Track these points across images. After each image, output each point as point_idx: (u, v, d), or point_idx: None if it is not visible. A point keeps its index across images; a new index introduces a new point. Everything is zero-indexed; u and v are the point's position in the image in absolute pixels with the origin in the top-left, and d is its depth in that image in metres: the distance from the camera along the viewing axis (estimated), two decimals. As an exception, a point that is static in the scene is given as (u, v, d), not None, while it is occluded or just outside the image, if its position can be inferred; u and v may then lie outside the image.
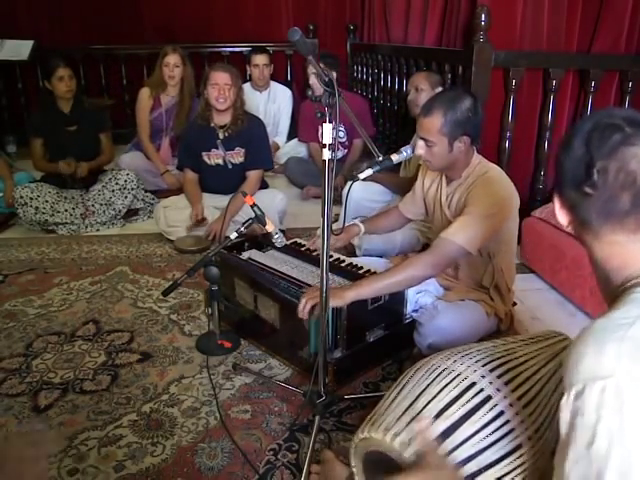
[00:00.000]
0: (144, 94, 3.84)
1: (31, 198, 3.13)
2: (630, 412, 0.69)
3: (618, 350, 0.71)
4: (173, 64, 3.71)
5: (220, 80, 2.82)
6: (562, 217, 0.90)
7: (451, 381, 1.13)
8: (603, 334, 0.75)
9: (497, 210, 1.74)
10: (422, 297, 1.99)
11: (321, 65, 3.84)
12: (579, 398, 0.72)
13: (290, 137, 4.57)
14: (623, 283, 0.85)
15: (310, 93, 3.57)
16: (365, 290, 1.68)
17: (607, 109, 0.89)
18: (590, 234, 0.87)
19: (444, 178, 1.94)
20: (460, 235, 1.71)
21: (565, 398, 0.75)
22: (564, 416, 0.75)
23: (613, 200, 0.81)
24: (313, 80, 3.40)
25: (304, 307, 1.64)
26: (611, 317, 0.78)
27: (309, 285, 1.86)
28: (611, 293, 0.87)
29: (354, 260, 2.11)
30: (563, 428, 0.75)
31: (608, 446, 0.70)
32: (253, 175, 3.03)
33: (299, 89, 5.25)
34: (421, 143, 1.79)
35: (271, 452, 1.53)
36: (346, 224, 2.04)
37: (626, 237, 0.83)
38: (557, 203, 0.90)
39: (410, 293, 1.96)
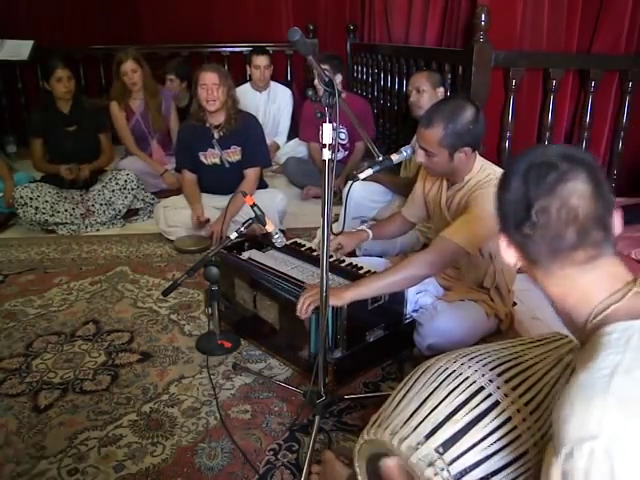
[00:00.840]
0: (114, 108, 3.78)
1: (31, 198, 3.13)
2: (620, 474, 0.67)
3: (603, 407, 0.70)
4: (131, 70, 3.65)
5: (208, 80, 2.81)
6: (509, 256, 0.90)
7: (459, 385, 1.12)
8: (587, 391, 0.73)
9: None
10: (422, 297, 1.99)
11: (323, 66, 3.85)
12: (568, 461, 0.71)
13: (290, 137, 4.57)
14: (587, 320, 0.83)
15: (310, 93, 3.57)
16: (364, 290, 1.68)
17: (540, 148, 0.89)
18: (540, 271, 0.87)
19: (445, 182, 1.94)
20: (459, 235, 1.71)
21: (555, 458, 0.73)
22: (555, 474, 0.73)
23: (558, 237, 0.82)
24: (318, 81, 3.40)
25: (302, 306, 1.64)
26: (591, 369, 0.76)
27: (309, 285, 1.86)
28: (577, 331, 0.86)
29: (354, 260, 2.11)
30: None
31: None
32: (251, 173, 3.02)
33: (299, 89, 5.25)
34: (421, 152, 1.78)
35: (271, 452, 1.53)
36: (351, 227, 2.04)
37: (576, 270, 0.83)
38: (503, 242, 0.90)
39: (410, 293, 1.96)
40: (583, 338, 0.85)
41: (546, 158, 0.84)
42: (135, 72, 3.67)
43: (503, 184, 0.88)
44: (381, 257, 2.33)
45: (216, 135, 2.97)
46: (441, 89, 2.67)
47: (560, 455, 0.72)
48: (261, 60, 4.29)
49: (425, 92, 2.66)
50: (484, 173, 1.82)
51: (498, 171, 1.86)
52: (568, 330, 0.92)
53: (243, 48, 5.20)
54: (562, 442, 0.72)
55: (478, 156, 1.86)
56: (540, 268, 0.87)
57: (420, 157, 1.79)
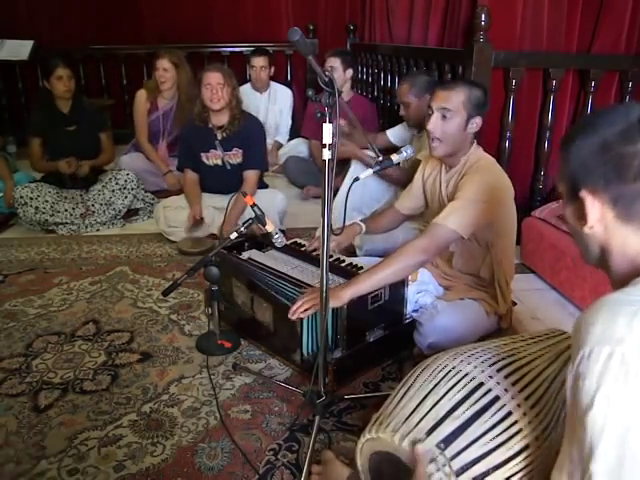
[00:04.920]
0: (141, 97, 3.83)
1: (31, 198, 3.13)
2: (634, 384, 0.68)
3: (630, 322, 0.71)
4: (162, 68, 3.68)
5: (212, 80, 2.82)
6: (595, 214, 0.86)
7: (459, 381, 1.12)
8: (617, 306, 0.74)
9: (487, 196, 1.76)
10: (422, 297, 2.00)
11: (335, 59, 3.83)
12: (585, 361, 0.72)
13: (291, 137, 4.57)
14: None
15: (310, 93, 3.57)
16: (362, 286, 1.69)
17: (636, 104, 0.87)
18: (631, 228, 0.85)
19: (444, 167, 1.97)
20: (451, 219, 1.73)
21: (571, 365, 0.74)
22: (568, 381, 0.74)
23: None
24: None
25: (298, 308, 1.63)
26: (626, 292, 0.78)
27: (309, 285, 1.86)
28: (631, 278, 0.86)
29: (354, 260, 2.12)
30: (568, 395, 0.75)
31: (605, 415, 0.69)
32: (251, 175, 3.02)
33: (299, 89, 5.25)
34: (437, 116, 1.81)
35: (271, 452, 1.53)
36: (345, 223, 2.04)
37: None
38: (589, 201, 0.86)
39: (410, 293, 1.96)
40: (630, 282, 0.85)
41: None
42: (166, 71, 3.69)
43: (604, 135, 0.84)
44: (382, 257, 2.33)
45: (219, 136, 2.98)
46: (426, 96, 2.62)
47: (577, 358, 0.73)
48: (257, 61, 4.30)
49: (411, 104, 2.66)
50: (476, 158, 1.87)
51: (488, 158, 1.90)
52: (618, 281, 0.90)
53: (243, 48, 5.20)
54: (581, 345, 0.73)
55: (475, 142, 1.91)
56: (631, 225, 0.85)
57: (435, 122, 1.80)
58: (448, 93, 1.80)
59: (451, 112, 1.79)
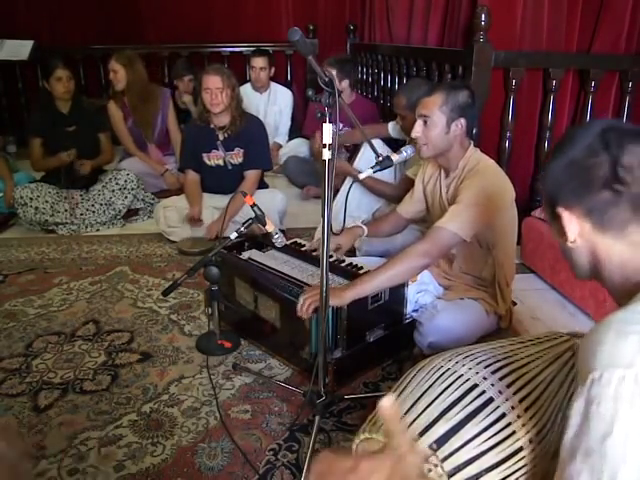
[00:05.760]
0: (112, 107, 3.78)
1: (31, 198, 3.13)
2: None
3: (639, 343, 0.70)
4: (112, 70, 3.66)
5: (211, 84, 2.82)
6: (574, 229, 0.89)
7: (453, 382, 1.12)
8: (624, 325, 0.73)
9: (487, 198, 1.77)
10: (422, 297, 2.00)
11: (331, 70, 3.81)
12: (595, 385, 0.70)
13: (291, 137, 4.57)
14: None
15: (310, 93, 3.56)
16: (365, 287, 1.69)
17: (594, 120, 0.92)
18: (608, 238, 0.87)
19: (443, 171, 1.97)
20: (452, 222, 1.74)
21: (580, 387, 0.73)
22: (578, 405, 0.72)
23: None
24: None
25: (303, 306, 1.64)
26: (631, 310, 0.77)
27: (309, 285, 1.86)
28: (628, 292, 0.86)
29: (354, 260, 2.12)
30: (575, 419, 0.73)
31: (625, 440, 0.67)
32: (251, 175, 3.02)
33: (299, 89, 5.25)
34: (419, 122, 1.85)
35: (271, 452, 1.53)
36: (347, 225, 2.05)
37: None
38: (566, 216, 0.89)
39: (410, 293, 1.96)
40: (630, 296, 0.85)
41: (613, 124, 0.88)
42: (117, 73, 3.65)
43: (571, 154, 0.88)
44: (382, 257, 2.33)
45: (221, 137, 2.98)
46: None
47: (586, 382, 0.71)
48: (257, 61, 4.30)
49: (406, 118, 2.61)
50: (475, 161, 1.87)
51: (488, 160, 1.90)
52: (614, 295, 0.91)
53: (243, 48, 5.21)
54: (590, 367, 0.72)
55: (472, 146, 1.90)
56: (610, 234, 0.86)
57: (416, 132, 1.85)
58: (427, 100, 1.84)
59: (430, 118, 1.82)
